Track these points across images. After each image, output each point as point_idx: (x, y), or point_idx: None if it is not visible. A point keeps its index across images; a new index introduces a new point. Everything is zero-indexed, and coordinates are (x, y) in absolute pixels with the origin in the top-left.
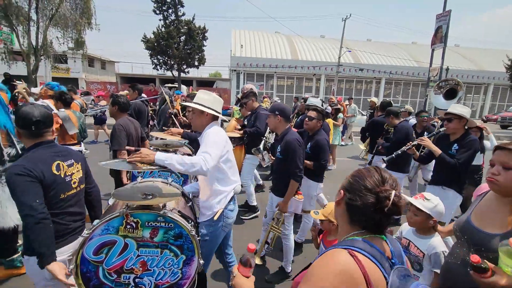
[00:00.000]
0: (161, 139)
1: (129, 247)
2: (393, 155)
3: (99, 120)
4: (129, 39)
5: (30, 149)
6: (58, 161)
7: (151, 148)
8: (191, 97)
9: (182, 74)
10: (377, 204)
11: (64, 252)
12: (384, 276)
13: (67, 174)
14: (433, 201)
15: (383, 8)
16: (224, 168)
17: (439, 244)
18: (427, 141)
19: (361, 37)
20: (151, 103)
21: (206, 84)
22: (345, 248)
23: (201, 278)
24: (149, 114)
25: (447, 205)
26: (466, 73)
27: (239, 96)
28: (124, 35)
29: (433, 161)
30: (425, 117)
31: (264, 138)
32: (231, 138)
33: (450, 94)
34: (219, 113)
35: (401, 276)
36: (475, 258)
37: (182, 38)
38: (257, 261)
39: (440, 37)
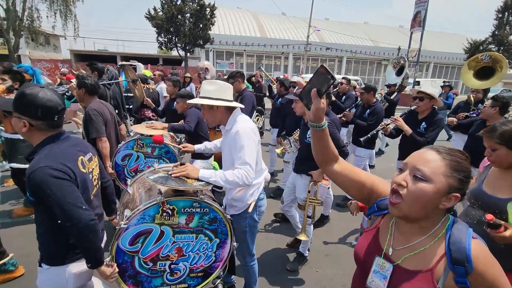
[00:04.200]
0: (149, 135)
1: (165, 235)
2: (369, 135)
3: None
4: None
5: (44, 144)
6: (81, 157)
7: (131, 133)
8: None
9: (144, 51)
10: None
11: None
12: None
13: (90, 171)
14: None
15: None
16: (257, 161)
17: None
18: (400, 121)
19: (318, 15)
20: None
21: (175, 62)
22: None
23: (231, 260)
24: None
25: None
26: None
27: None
28: None
29: None
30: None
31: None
32: None
33: (400, 70)
34: (229, 101)
35: None
36: (489, 216)
37: (187, 15)
38: (303, 237)
39: (419, 21)
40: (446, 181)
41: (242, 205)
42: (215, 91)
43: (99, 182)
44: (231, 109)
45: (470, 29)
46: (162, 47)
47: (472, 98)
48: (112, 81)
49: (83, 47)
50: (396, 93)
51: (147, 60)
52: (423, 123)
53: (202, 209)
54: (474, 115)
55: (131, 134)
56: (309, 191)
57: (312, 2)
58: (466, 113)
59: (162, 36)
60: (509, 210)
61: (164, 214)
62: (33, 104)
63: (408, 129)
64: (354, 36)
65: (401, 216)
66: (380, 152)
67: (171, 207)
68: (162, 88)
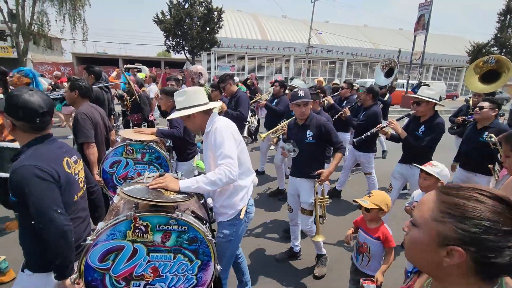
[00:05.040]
0: (138, 141)
1: (138, 253)
2: (363, 136)
3: None
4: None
5: (30, 145)
6: (67, 158)
7: (118, 139)
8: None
9: (141, 54)
10: None
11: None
12: None
13: (76, 173)
14: (439, 166)
15: None
16: (242, 161)
17: None
18: (395, 123)
19: (317, 18)
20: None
21: (176, 65)
22: None
23: (218, 282)
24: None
25: (414, 182)
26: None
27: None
28: None
29: None
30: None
31: (247, 123)
32: None
33: (389, 72)
34: (203, 104)
35: None
36: None
37: (195, 19)
38: (321, 238)
39: (422, 24)
40: (434, 228)
41: (232, 212)
42: (186, 100)
43: (85, 186)
44: (208, 112)
45: (471, 31)
46: (170, 50)
47: (471, 103)
48: (109, 84)
49: (85, 50)
50: (388, 95)
51: (150, 63)
52: (422, 126)
53: (180, 227)
54: (472, 120)
55: (118, 139)
56: (316, 192)
57: (314, 6)
58: (465, 117)
59: (170, 39)
60: None
61: (137, 230)
62: (15, 105)
63: (402, 132)
64: (354, 39)
65: (410, 261)
66: (383, 154)
67: (144, 223)
68: (151, 89)
